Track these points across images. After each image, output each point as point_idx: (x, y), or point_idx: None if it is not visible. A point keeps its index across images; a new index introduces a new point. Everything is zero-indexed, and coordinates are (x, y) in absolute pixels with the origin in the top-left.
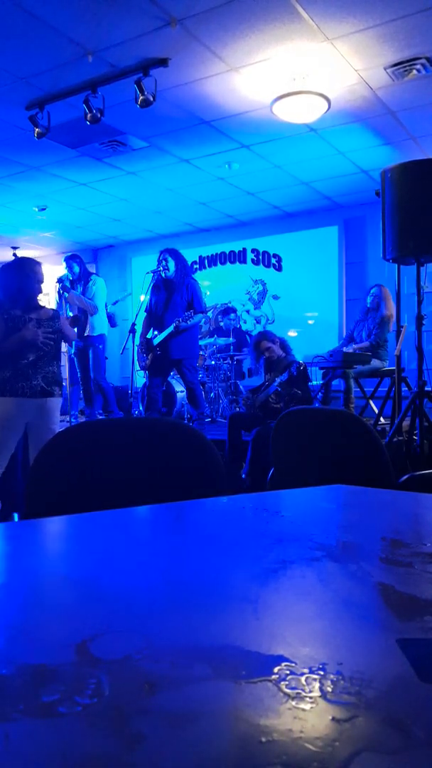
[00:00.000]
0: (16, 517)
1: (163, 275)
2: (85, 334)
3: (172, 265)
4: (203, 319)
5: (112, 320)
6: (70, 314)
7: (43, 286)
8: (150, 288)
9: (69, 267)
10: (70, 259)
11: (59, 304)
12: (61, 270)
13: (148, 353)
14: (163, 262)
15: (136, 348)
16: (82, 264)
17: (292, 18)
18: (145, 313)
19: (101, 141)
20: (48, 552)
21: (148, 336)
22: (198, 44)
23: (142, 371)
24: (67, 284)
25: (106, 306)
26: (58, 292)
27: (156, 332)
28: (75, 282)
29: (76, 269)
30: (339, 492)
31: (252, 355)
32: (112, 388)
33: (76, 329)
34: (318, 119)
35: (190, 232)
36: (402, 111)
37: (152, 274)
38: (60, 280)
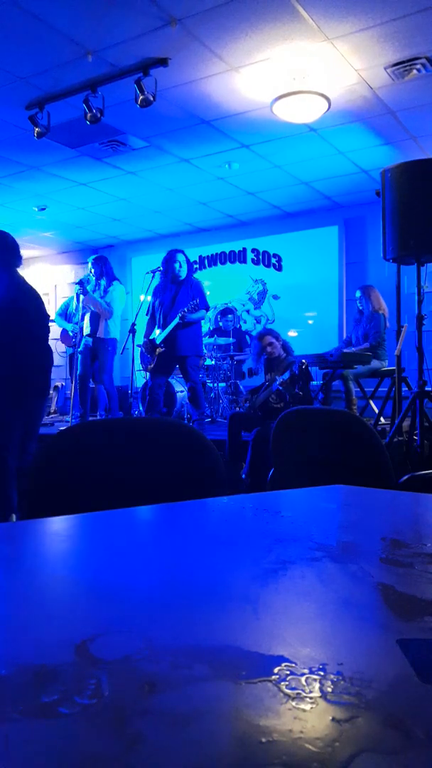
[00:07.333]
0: (15, 517)
1: (180, 277)
2: (98, 336)
3: (185, 269)
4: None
5: None
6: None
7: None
8: (153, 289)
9: (92, 267)
10: (95, 262)
11: (75, 305)
12: (62, 270)
13: (153, 354)
14: (183, 265)
15: (136, 348)
16: (106, 266)
17: (292, 18)
18: (147, 316)
19: (101, 141)
20: (48, 552)
21: (152, 337)
22: (198, 44)
23: (144, 371)
24: (86, 287)
25: None
26: (76, 293)
27: (160, 330)
28: (95, 284)
29: (97, 271)
30: (339, 492)
31: (254, 351)
32: (116, 391)
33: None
34: (318, 119)
35: (190, 232)
36: (402, 111)
37: (152, 274)
38: (80, 282)
